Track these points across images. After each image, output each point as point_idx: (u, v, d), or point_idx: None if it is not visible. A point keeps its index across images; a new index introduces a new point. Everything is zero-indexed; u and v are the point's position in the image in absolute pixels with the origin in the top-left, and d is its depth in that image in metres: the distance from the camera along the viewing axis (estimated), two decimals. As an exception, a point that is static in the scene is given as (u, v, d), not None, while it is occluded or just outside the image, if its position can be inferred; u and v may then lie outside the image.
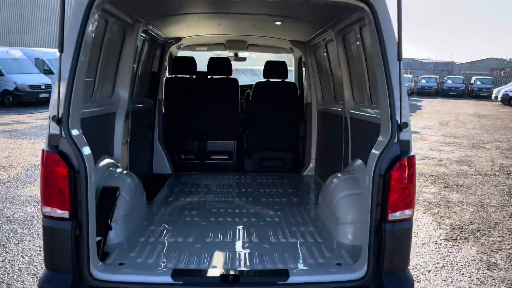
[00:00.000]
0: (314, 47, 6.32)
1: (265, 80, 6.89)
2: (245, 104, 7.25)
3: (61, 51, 2.76)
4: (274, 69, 6.81)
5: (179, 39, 6.65)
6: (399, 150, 3.00)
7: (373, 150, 3.15)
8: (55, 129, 2.86)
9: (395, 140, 3.01)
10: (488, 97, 42.77)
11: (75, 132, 2.89)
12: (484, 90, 45.05)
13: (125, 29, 4.45)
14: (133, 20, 4.49)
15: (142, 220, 4.20)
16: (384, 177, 2.97)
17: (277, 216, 4.55)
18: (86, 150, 2.92)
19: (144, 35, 5.15)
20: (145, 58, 5.53)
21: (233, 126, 6.87)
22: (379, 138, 3.19)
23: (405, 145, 3.05)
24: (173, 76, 6.78)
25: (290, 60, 8.61)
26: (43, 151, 2.87)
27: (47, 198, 2.86)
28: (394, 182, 2.96)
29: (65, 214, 2.83)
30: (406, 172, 3.00)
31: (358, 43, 4.23)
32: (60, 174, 2.80)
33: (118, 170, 4.08)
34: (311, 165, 6.63)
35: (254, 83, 6.99)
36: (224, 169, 6.75)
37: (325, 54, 5.78)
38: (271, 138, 6.95)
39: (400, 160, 2.97)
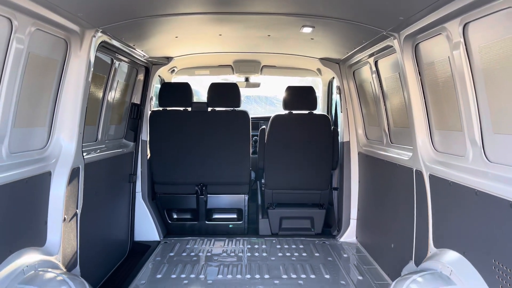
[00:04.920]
0: (354, 66, 4.76)
1: (286, 112, 5.33)
2: (259, 144, 5.55)
3: None
4: (298, 97, 5.40)
5: (168, 59, 5.28)
6: None
7: None
8: None
9: None
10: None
11: None
12: None
13: (68, 40, 3.17)
14: (79, 26, 3.15)
15: None
16: None
17: None
18: None
19: (109, 50, 3.92)
20: (118, 85, 4.37)
21: (242, 174, 5.36)
22: None
23: None
24: (160, 109, 5.27)
25: (313, 82, 6.94)
26: None
27: None
28: None
29: None
30: None
31: (457, 51, 2.59)
32: None
33: (48, 274, 2.73)
34: (351, 227, 5.19)
35: (271, 115, 5.50)
36: (231, 233, 5.43)
37: (373, 75, 4.14)
38: (294, 189, 5.39)
39: None
